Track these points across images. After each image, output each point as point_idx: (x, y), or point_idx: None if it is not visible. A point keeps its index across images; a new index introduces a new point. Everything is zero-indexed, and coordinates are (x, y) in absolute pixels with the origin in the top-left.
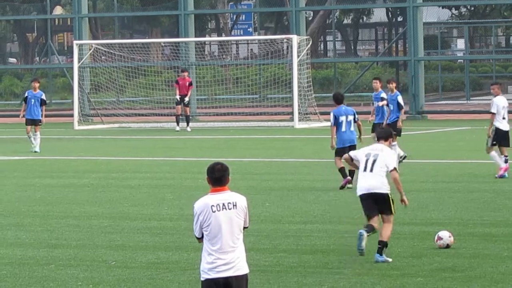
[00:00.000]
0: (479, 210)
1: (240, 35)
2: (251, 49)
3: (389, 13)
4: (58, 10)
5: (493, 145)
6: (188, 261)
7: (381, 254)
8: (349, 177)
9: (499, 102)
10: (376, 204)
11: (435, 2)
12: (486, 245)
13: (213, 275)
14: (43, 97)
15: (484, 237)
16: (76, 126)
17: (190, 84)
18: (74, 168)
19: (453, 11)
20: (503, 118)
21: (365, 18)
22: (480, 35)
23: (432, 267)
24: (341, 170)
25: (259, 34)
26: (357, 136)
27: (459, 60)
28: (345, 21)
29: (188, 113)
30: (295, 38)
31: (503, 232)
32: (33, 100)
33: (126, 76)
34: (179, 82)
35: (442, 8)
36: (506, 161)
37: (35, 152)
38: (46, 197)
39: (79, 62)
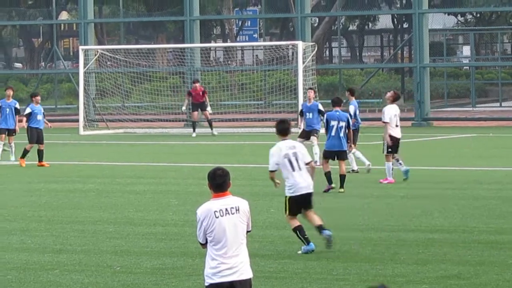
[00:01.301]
0: (484, 217)
1: (246, 41)
2: (257, 55)
3: (395, 20)
4: (64, 16)
5: (388, 152)
6: (193, 266)
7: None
8: (332, 185)
9: (390, 110)
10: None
11: (441, 9)
12: (492, 253)
13: (217, 279)
14: (17, 106)
15: (489, 245)
16: (82, 131)
17: (204, 92)
18: (79, 173)
19: (459, 18)
20: (396, 126)
21: (370, 24)
22: (486, 42)
23: (437, 274)
24: (327, 174)
25: (264, 40)
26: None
27: (464, 67)
28: (351, 28)
29: (209, 118)
30: (300, 44)
31: (509, 239)
32: (7, 109)
33: (132, 82)
34: (192, 93)
35: (448, 15)
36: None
37: (12, 160)
38: (51, 202)
39: (84, 67)
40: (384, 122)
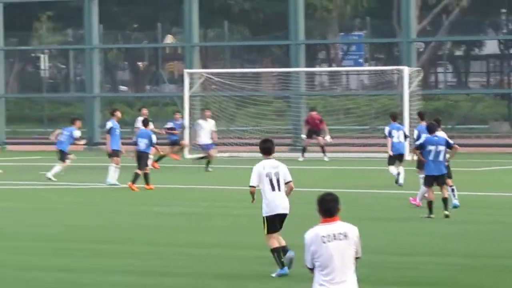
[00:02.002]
0: None
1: (351, 65)
2: (362, 80)
3: (501, 45)
4: (169, 39)
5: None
6: None
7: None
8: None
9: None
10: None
11: None
12: None
13: None
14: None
15: None
16: (187, 155)
17: (321, 120)
18: (184, 197)
19: None
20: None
21: (476, 50)
22: None
23: None
24: (429, 204)
25: (369, 65)
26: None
27: None
28: (457, 53)
29: (322, 143)
30: (406, 70)
31: None
32: (117, 130)
33: (236, 105)
34: (309, 121)
35: None
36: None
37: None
38: (157, 225)
39: (189, 90)
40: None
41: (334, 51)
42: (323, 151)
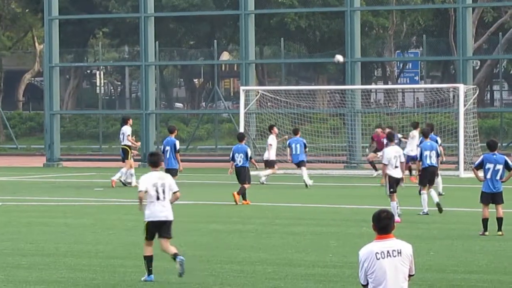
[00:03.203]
0: None
1: (407, 83)
2: (417, 98)
3: None
4: (225, 56)
5: (391, 192)
6: None
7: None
8: (486, 232)
9: (390, 152)
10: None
11: None
12: None
13: None
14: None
15: None
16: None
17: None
18: (239, 214)
19: None
20: (395, 167)
21: None
22: None
23: None
24: (484, 220)
25: (425, 83)
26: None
27: None
28: None
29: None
30: (462, 87)
31: None
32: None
33: (292, 123)
34: (375, 138)
35: None
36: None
37: None
38: (211, 242)
39: (245, 108)
40: (384, 164)
41: (390, 69)
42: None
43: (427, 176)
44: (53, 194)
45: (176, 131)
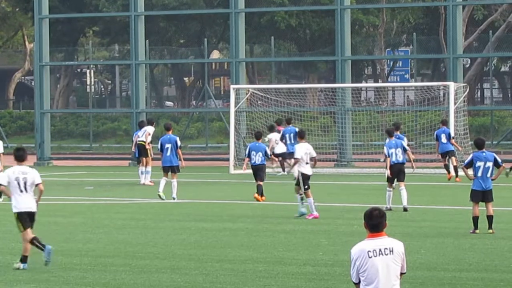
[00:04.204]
0: None
1: (397, 81)
2: (408, 96)
3: None
4: (215, 55)
5: (306, 189)
6: None
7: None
8: (477, 230)
9: (301, 149)
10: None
11: None
12: None
13: None
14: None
15: None
16: (232, 170)
17: None
18: (229, 212)
19: None
20: (306, 163)
21: None
22: None
23: None
24: (474, 218)
25: (415, 81)
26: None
27: None
28: (503, 69)
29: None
30: (452, 85)
31: None
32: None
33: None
34: None
35: None
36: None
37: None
38: (201, 240)
39: (235, 106)
40: (296, 159)
41: (380, 67)
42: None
43: (394, 173)
44: (44, 193)
45: (172, 128)
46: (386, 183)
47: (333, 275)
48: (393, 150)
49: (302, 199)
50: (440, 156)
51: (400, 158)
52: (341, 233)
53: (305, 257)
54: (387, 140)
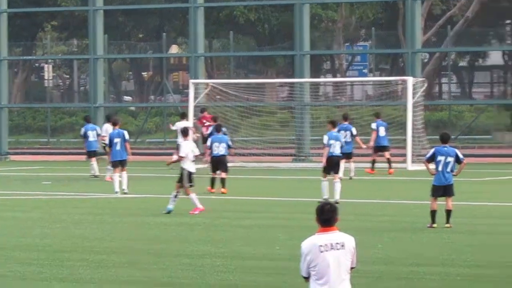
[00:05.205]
0: None
1: (355, 76)
2: (366, 90)
3: (505, 56)
4: (174, 49)
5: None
6: None
7: None
8: (434, 224)
9: (186, 147)
10: None
11: None
12: None
13: None
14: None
15: None
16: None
17: None
18: (187, 207)
19: None
20: (192, 161)
21: (481, 60)
22: None
23: None
24: (432, 212)
25: (374, 75)
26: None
27: None
28: (461, 64)
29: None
30: (410, 80)
31: None
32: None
33: (240, 116)
34: None
35: None
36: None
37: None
38: (159, 235)
39: (194, 101)
40: (180, 156)
41: (339, 62)
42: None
43: (331, 165)
44: (1, 188)
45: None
46: (323, 174)
47: (290, 270)
48: (333, 142)
49: (176, 196)
50: (373, 149)
51: (338, 151)
52: (298, 227)
53: (262, 252)
54: (332, 130)
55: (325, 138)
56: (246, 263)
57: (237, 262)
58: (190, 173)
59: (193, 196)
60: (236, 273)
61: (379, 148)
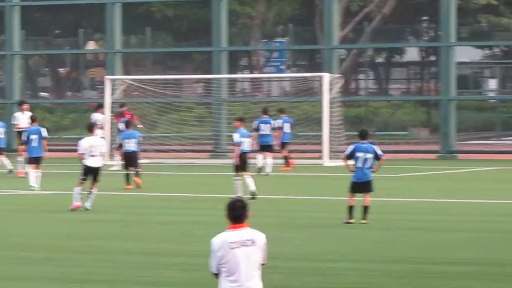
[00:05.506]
0: (510, 250)
1: (273, 72)
2: (283, 87)
3: (422, 52)
4: (91, 45)
5: (83, 180)
6: None
7: None
8: (351, 220)
9: (85, 142)
10: None
11: (469, 42)
12: None
13: None
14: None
15: None
16: (107, 161)
17: None
18: (104, 203)
19: (486, 51)
20: (92, 156)
21: (397, 57)
22: None
23: None
24: (350, 208)
25: (291, 72)
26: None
27: (490, 100)
28: (378, 60)
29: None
30: (326, 76)
31: None
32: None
33: (158, 112)
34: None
35: (475, 48)
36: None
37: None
38: (77, 232)
39: (111, 97)
40: (80, 154)
41: (256, 58)
42: None
43: (243, 162)
44: None
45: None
46: (235, 172)
47: (206, 266)
48: (244, 139)
49: (90, 193)
50: (280, 145)
51: (248, 148)
52: (215, 224)
53: (179, 248)
54: (240, 127)
55: (236, 136)
56: (163, 260)
57: (154, 258)
58: (87, 168)
59: (77, 189)
60: (152, 270)
61: (285, 144)
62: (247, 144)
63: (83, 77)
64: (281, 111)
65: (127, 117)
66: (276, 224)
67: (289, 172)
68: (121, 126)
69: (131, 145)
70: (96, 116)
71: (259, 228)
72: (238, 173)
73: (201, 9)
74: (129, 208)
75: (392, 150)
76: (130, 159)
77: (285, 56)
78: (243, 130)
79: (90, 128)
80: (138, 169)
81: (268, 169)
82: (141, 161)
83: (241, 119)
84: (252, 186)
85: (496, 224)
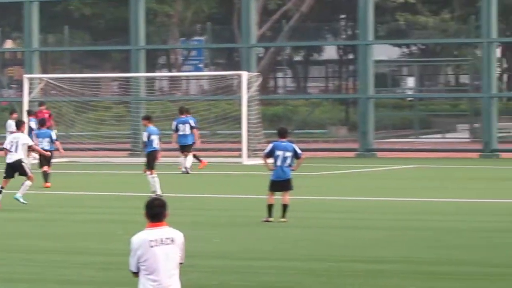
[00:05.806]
0: (430, 248)
1: (191, 70)
2: (201, 85)
3: (340, 51)
4: (9, 44)
5: (5, 178)
6: None
7: None
8: (270, 218)
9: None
10: None
11: (386, 40)
12: (436, 284)
13: None
14: None
15: (434, 275)
16: (27, 160)
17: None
18: (28, 202)
19: (404, 49)
20: (10, 151)
21: (315, 55)
22: (430, 73)
23: None
24: (270, 206)
25: (209, 70)
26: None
27: (408, 98)
28: (296, 58)
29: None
30: (244, 75)
31: (451, 269)
32: None
33: (76, 111)
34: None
35: (393, 46)
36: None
37: None
38: None
39: (28, 96)
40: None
41: (175, 56)
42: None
43: (154, 160)
44: None
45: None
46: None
47: (125, 264)
48: (154, 137)
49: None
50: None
51: (158, 145)
52: (136, 222)
53: (99, 247)
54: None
55: (145, 135)
56: (83, 259)
57: (75, 257)
58: (8, 165)
59: (26, 183)
60: (73, 269)
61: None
62: (156, 141)
63: (1, 76)
64: (187, 111)
65: (42, 116)
66: (195, 222)
67: (208, 171)
68: (33, 124)
69: (44, 144)
70: (11, 124)
71: (178, 227)
72: (147, 170)
73: (119, 8)
74: (48, 207)
75: (311, 149)
76: (44, 158)
77: (203, 55)
78: (153, 127)
79: (17, 125)
80: (47, 168)
81: (187, 164)
82: (54, 160)
83: (148, 118)
84: (158, 189)
85: (415, 222)
